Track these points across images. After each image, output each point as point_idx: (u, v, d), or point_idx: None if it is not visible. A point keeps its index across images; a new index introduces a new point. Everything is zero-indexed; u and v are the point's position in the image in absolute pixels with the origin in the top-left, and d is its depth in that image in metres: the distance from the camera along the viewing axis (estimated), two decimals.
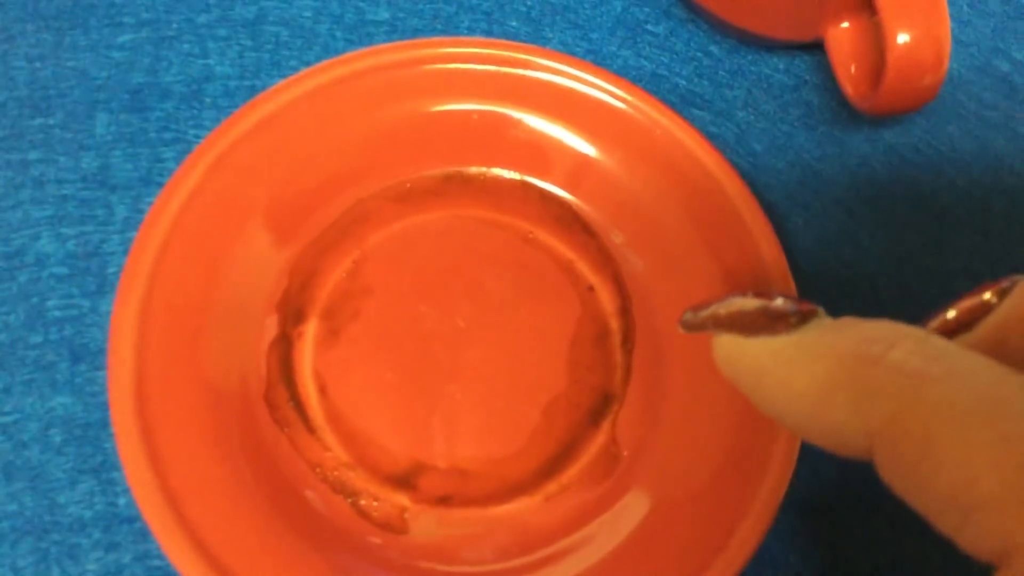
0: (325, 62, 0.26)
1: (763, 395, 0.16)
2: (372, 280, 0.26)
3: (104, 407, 0.24)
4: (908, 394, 0.14)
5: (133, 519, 0.23)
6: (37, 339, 0.24)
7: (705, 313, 0.18)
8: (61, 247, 0.26)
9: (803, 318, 0.16)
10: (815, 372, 0.15)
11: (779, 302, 0.17)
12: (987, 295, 0.16)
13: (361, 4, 0.30)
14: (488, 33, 0.30)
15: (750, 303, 0.17)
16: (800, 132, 0.30)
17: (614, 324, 0.26)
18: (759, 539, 0.21)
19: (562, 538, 0.23)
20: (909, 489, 0.14)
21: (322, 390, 0.24)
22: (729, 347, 0.17)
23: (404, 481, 0.23)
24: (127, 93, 0.28)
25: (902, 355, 0.14)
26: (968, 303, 0.17)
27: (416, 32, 0.30)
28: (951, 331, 0.17)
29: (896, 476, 0.14)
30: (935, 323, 0.17)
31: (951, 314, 0.17)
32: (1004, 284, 0.16)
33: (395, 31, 0.30)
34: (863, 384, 0.14)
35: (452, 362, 0.25)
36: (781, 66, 0.31)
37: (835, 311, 0.26)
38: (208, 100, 0.28)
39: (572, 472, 0.24)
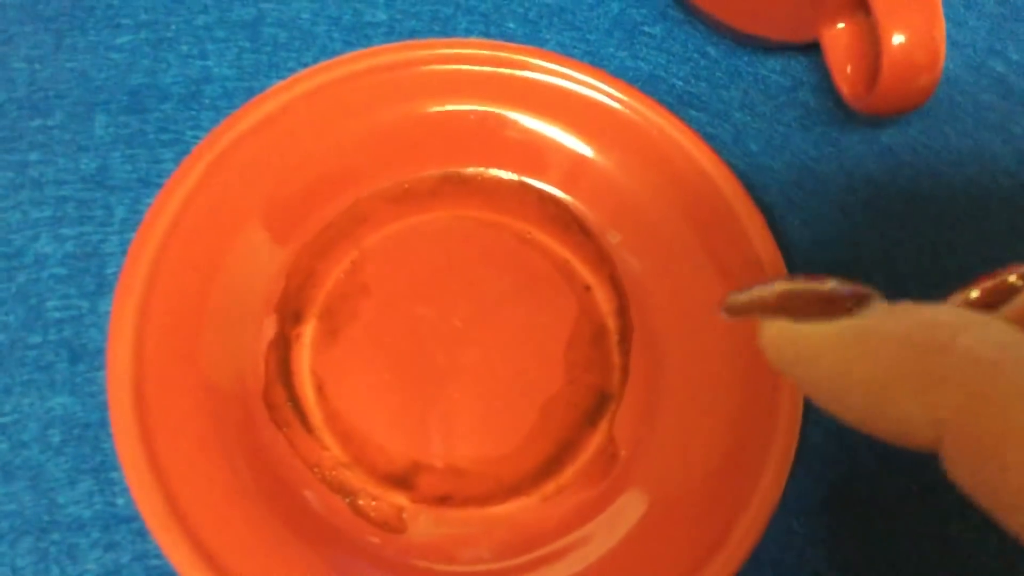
0: (323, 63, 0.26)
1: (817, 385, 0.15)
2: (370, 280, 0.26)
3: (103, 407, 0.24)
4: (980, 382, 0.13)
5: (132, 519, 0.23)
6: (36, 339, 0.25)
7: (751, 297, 0.17)
8: (60, 248, 0.26)
9: (859, 301, 0.15)
10: (877, 360, 0.14)
11: (833, 284, 0.16)
12: (1012, 278, 0.16)
13: (359, 6, 0.30)
14: (485, 35, 0.30)
15: (801, 286, 0.16)
16: (796, 133, 0.30)
17: (611, 324, 0.26)
18: (755, 538, 0.21)
19: (560, 537, 0.23)
20: (978, 484, 0.13)
21: (320, 390, 0.24)
22: (778, 334, 0.16)
23: (402, 481, 0.24)
24: (126, 94, 0.28)
25: (971, 342, 0.14)
26: (991, 284, 0.16)
27: (413, 34, 0.30)
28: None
29: (965, 469, 0.13)
30: (956, 301, 0.16)
31: (974, 294, 0.16)
32: None
33: (393, 33, 0.30)
34: (931, 371, 0.14)
35: (449, 362, 0.25)
36: (777, 67, 0.31)
37: None
38: (206, 101, 0.28)
39: (569, 472, 0.24)
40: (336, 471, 0.23)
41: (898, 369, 0.14)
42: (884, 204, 0.29)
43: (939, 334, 0.14)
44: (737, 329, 0.24)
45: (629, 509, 0.23)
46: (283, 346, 0.25)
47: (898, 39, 0.24)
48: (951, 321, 0.14)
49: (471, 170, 0.27)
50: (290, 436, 0.24)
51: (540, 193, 0.27)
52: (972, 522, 0.25)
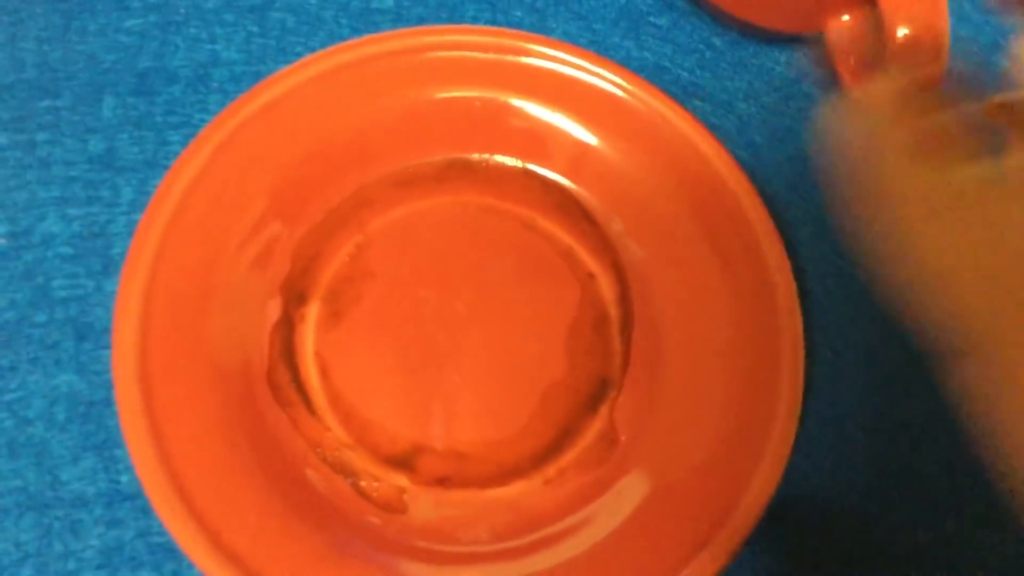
0: (330, 48, 0.26)
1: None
2: (374, 264, 0.26)
3: (108, 386, 0.24)
4: None
5: (135, 496, 0.23)
6: (42, 318, 0.25)
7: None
8: (67, 228, 0.26)
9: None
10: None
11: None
12: None
13: None
14: (492, 22, 0.30)
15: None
16: (800, 124, 0.30)
17: (613, 311, 0.26)
18: (756, 518, 0.21)
19: (560, 520, 0.23)
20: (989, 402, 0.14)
21: (324, 372, 0.25)
22: None
23: (403, 462, 0.24)
24: (134, 77, 0.28)
25: None
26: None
27: (420, 20, 0.30)
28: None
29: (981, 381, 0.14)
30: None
31: (997, 99, 0.17)
32: None
33: (400, 19, 0.30)
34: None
35: (452, 346, 0.25)
36: (782, 59, 0.31)
37: (831, 301, 0.26)
38: (214, 84, 0.28)
39: (570, 456, 0.24)
40: (338, 452, 0.24)
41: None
42: None
43: None
44: (738, 317, 0.25)
45: (630, 492, 0.23)
46: (287, 327, 0.25)
47: (903, 32, 0.25)
48: None
49: (476, 156, 0.28)
50: (293, 416, 0.24)
51: (544, 180, 0.28)
52: (968, 515, 0.25)
